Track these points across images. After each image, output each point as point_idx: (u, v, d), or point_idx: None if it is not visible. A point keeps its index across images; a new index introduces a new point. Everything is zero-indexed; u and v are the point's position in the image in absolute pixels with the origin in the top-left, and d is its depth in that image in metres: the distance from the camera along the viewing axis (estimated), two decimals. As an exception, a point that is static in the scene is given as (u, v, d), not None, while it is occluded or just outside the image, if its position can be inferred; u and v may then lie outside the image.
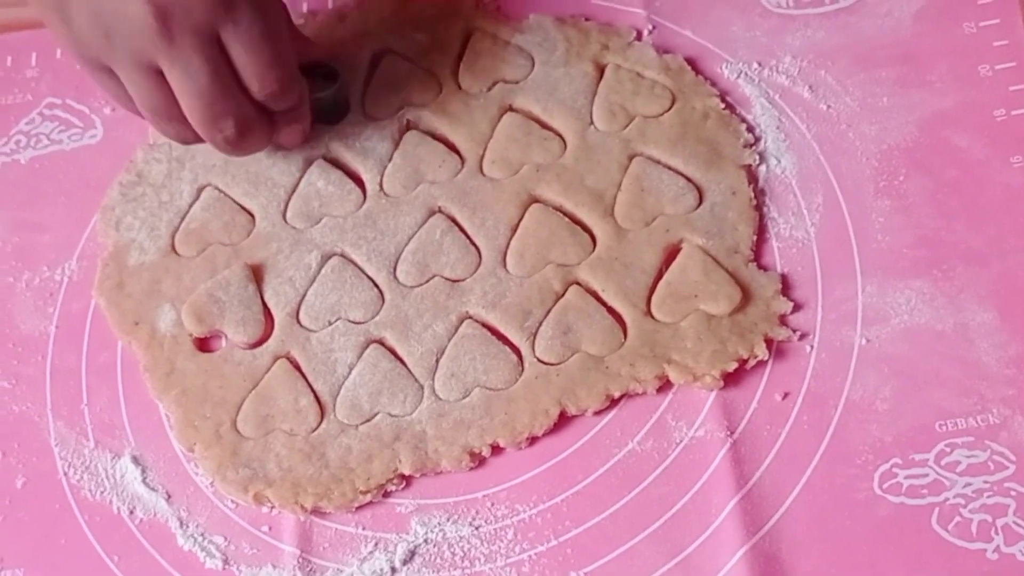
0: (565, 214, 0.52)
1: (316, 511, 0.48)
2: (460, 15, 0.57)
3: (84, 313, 0.53)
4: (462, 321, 0.50)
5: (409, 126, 0.55)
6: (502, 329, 0.50)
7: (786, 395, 0.47)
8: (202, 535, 0.48)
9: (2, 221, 0.56)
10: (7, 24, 0.61)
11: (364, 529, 0.47)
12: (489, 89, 0.55)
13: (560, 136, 0.54)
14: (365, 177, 0.54)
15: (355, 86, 0.56)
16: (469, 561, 0.46)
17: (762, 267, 0.50)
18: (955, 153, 0.51)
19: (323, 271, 0.52)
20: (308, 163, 0.55)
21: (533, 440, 0.48)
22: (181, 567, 0.47)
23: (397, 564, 0.46)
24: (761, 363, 0.48)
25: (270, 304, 0.52)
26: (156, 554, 0.48)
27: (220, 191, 0.55)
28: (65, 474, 0.50)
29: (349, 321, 0.51)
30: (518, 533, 0.46)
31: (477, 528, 0.47)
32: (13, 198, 0.57)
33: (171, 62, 0.48)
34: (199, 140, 0.50)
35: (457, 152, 0.54)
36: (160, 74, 0.48)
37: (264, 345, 0.51)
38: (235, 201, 0.54)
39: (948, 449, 0.45)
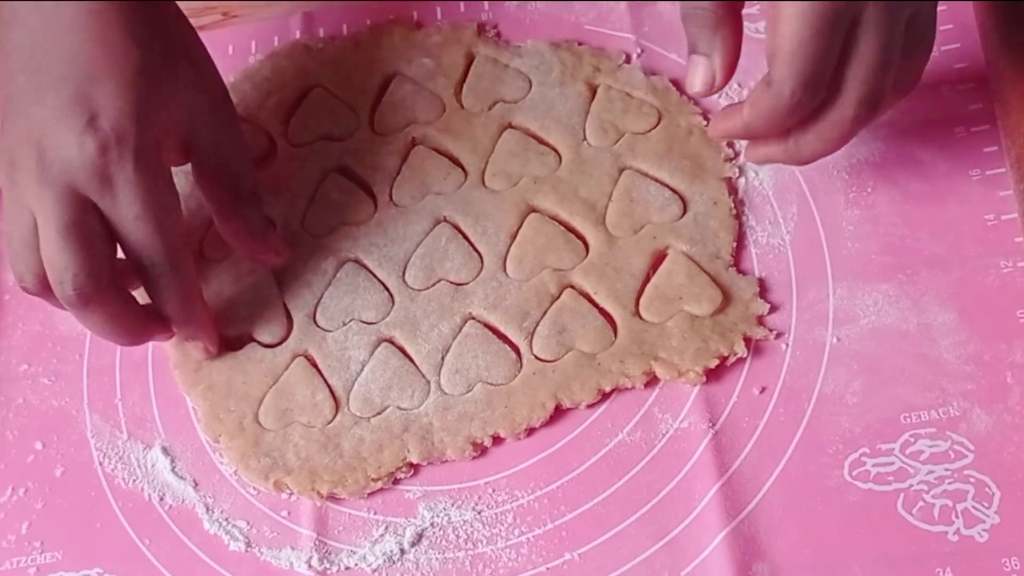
0: (560, 223, 0.52)
1: (331, 497, 0.48)
2: (463, 41, 0.57)
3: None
4: (466, 321, 0.50)
5: (415, 142, 0.55)
6: (502, 329, 0.50)
7: (763, 389, 0.47)
8: (226, 520, 0.48)
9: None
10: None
11: (375, 514, 0.47)
12: (490, 108, 0.55)
13: (556, 151, 0.54)
14: (375, 189, 0.54)
15: (366, 107, 0.56)
16: (472, 543, 0.46)
17: (741, 271, 0.50)
18: (919, 167, 0.51)
19: (338, 275, 0.52)
20: (323, 175, 0.55)
21: (531, 431, 0.48)
22: (207, 549, 0.47)
23: (406, 546, 0.46)
24: (740, 360, 0.48)
25: (289, 306, 0.52)
26: (184, 538, 0.48)
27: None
28: (100, 464, 0.50)
29: (362, 322, 0.51)
30: (517, 517, 0.46)
31: (479, 512, 0.47)
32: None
33: (34, 205, 0.44)
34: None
35: (460, 166, 0.54)
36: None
37: (284, 344, 0.51)
38: (257, 211, 0.54)
39: (912, 439, 0.45)
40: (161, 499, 0.49)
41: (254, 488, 0.48)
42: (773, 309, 0.49)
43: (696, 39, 0.44)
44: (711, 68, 0.44)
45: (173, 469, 0.49)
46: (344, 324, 0.51)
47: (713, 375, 0.48)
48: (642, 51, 0.57)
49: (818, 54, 0.41)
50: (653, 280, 0.50)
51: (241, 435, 0.49)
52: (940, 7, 0.53)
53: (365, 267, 0.52)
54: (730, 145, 0.53)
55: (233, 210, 0.49)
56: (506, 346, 0.49)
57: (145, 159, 0.44)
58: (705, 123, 0.54)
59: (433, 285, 0.51)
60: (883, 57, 0.42)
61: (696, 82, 0.45)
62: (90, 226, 0.44)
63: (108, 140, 0.43)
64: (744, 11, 0.45)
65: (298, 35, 0.59)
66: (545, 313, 0.50)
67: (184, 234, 0.47)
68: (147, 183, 0.44)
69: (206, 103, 0.48)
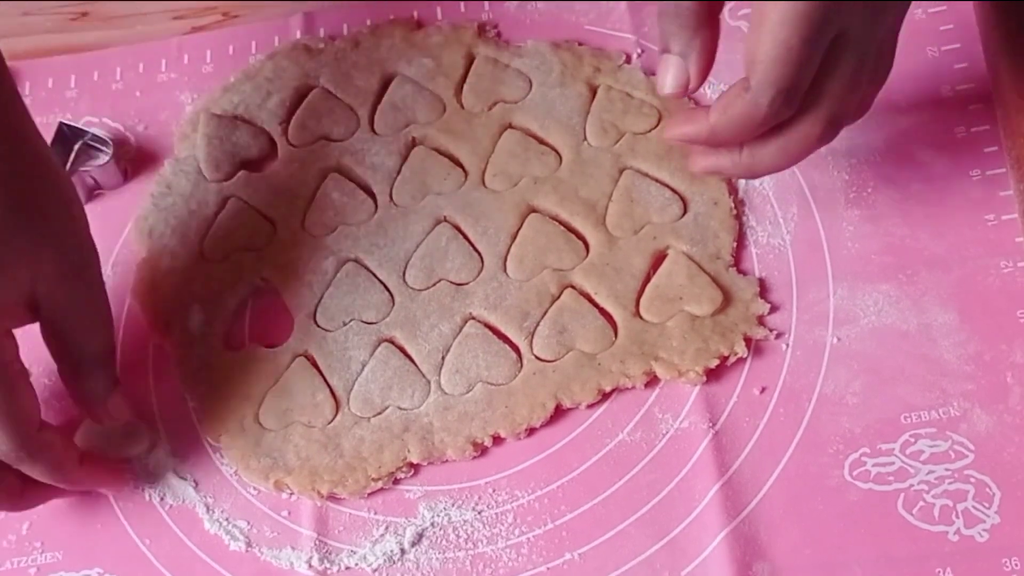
0: (561, 223, 0.52)
1: (332, 497, 0.48)
2: (463, 41, 0.57)
3: (118, 315, 0.53)
4: (466, 321, 0.50)
5: (415, 142, 0.55)
6: (503, 329, 0.50)
7: (764, 389, 0.47)
8: (227, 520, 0.48)
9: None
10: (48, 49, 0.61)
11: (376, 514, 0.47)
12: (490, 108, 0.55)
13: (556, 151, 0.54)
14: (375, 189, 0.54)
15: (366, 107, 0.56)
16: (472, 543, 0.46)
17: (742, 272, 0.50)
18: (919, 167, 0.51)
19: (338, 275, 0.52)
20: (324, 176, 0.55)
21: (531, 431, 0.48)
22: (207, 549, 0.47)
23: (406, 546, 0.46)
24: (741, 360, 0.48)
25: (290, 306, 0.52)
26: (184, 538, 0.48)
27: (243, 201, 0.54)
28: (101, 463, 0.50)
29: (362, 322, 0.51)
30: (517, 517, 0.46)
31: (480, 512, 0.47)
32: (53, 209, 0.57)
33: None
34: None
35: (461, 166, 0.54)
36: None
37: (284, 344, 0.51)
38: (258, 211, 0.54)
39: (912, 439, 0.45)
40: (162, 499, 0.49)
41: (254, 488, 0.48)
42: (773, 309, 0.49)
43: (671, 38, 0.43)
44: (686, 69, 0.43)
45: (174, 469, 0.49)
46: (344, 324, 0.51)
47: (713, 375, 0.48)
48: (642, 51, 0.56)
49: (802, 63, 0.39)
50: (653, 280, 0.50)
51: (242, 435, 0.49)
52: (940, 7, 0.54)
53: (365, 267, 0.52)
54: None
55: (75, 373, 0.46)
56: (506, 346, 0.49)
57: None
58: (705, 123, 0.54)
59: (433, 285, 0.51)
60: (856, 77, 0.41)
61: (668, 82, 0.43)
62: None
63: None
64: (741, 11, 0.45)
65: (298, 35, 0.59)
66: (545, 313, 0.50)
67: (33, 409, 0.44)
68: None
69: (54, 261, 0.44)
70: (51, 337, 0.45)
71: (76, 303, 0.45)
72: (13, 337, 0.44)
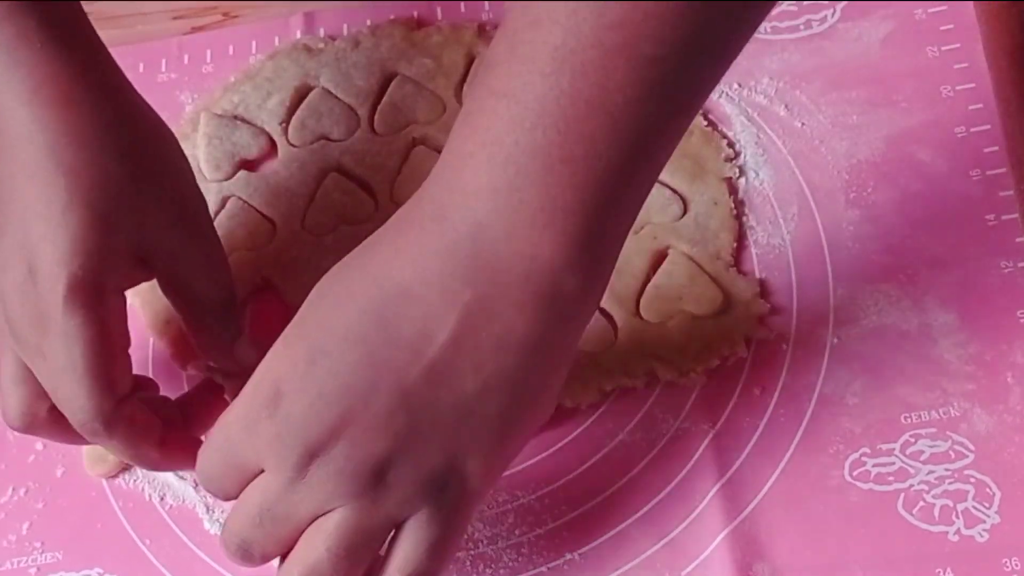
0: (561, 223, 0.52)
1: (332, 497, 0.47)
2: (463, 41, 0.57)
3: (118, 314, 0.53)
4: (466, 322, 0.50)
5: (416, 142, 0.55)
6: (503, 329, 0.50)
7: (764, 389, 0.47)
8: (227, 519, 0.48)
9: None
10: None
11: (376, 514, 0.47)
12: (490, 108, 0.55)
13: (556, 151, 0.54)
14: (375, 189, 0.54)
15: (366, 107, 0.56)
16: (473, 543, 0.46)
17: (742, 272, 0.50)
18: (919, 167, 0.51)
19: (338, 275, 0.52)
20: (324, 176, 0.54)
21: (532, 431, 0.48)
22: (207, 549, 0.47)
23: (406, 546, 0.46)
24: (741, 360, 0.48)
25: (290, 306, 0.51)
26: (184, 537, 0.47)
27: (244, 201, 0.54)
28: (101, 463, 0.49)
29: (362, 322, 0.50)
30: (518, 517, 0.46)
31: (480, 512, 0.46)
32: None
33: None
34: None
35: (461, 166, 0.54)
36: None
37: (284, 344, 0.51)
38: (258, 211, 0.54)
39: (913, 439, 0.45)
40: (162, 499, 0.48)
41: (255, 488, 0.48)
42: (774, 309, 0.49)
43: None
44: None
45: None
46: (344, 324, 0.50)
47: (713, 375, 0.48)
48: (642, 51, 0.56)
49: (351, 568, 0.38)
50: (653, 280, 0.50)
51: (242, 435, 0.49)
52: (940, 7, 0.54)
53: (366, 267, 0.52)
54: (731, 145, 0.53)
55: (197, 324, 0.46)
56: (507, 346, 0.49)
57: (74, 306, 0.40)
58: (706, 123, 0.53)
59: (434, 285, 0.51)
60: (429, 551, 0.39)
61: None
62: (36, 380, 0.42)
63: (42, 291, 0.40)
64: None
65: (298, 35, 0.59)
66: (545, 313, 0.49)
67: (122, 380, 0.42)
68: (73, 332, 0.40)
69: (163, 211, 0.43)
70: (169, 289, 0.45)
71: (189, 252, 0.44)
72: (123, 298, 0.43)
